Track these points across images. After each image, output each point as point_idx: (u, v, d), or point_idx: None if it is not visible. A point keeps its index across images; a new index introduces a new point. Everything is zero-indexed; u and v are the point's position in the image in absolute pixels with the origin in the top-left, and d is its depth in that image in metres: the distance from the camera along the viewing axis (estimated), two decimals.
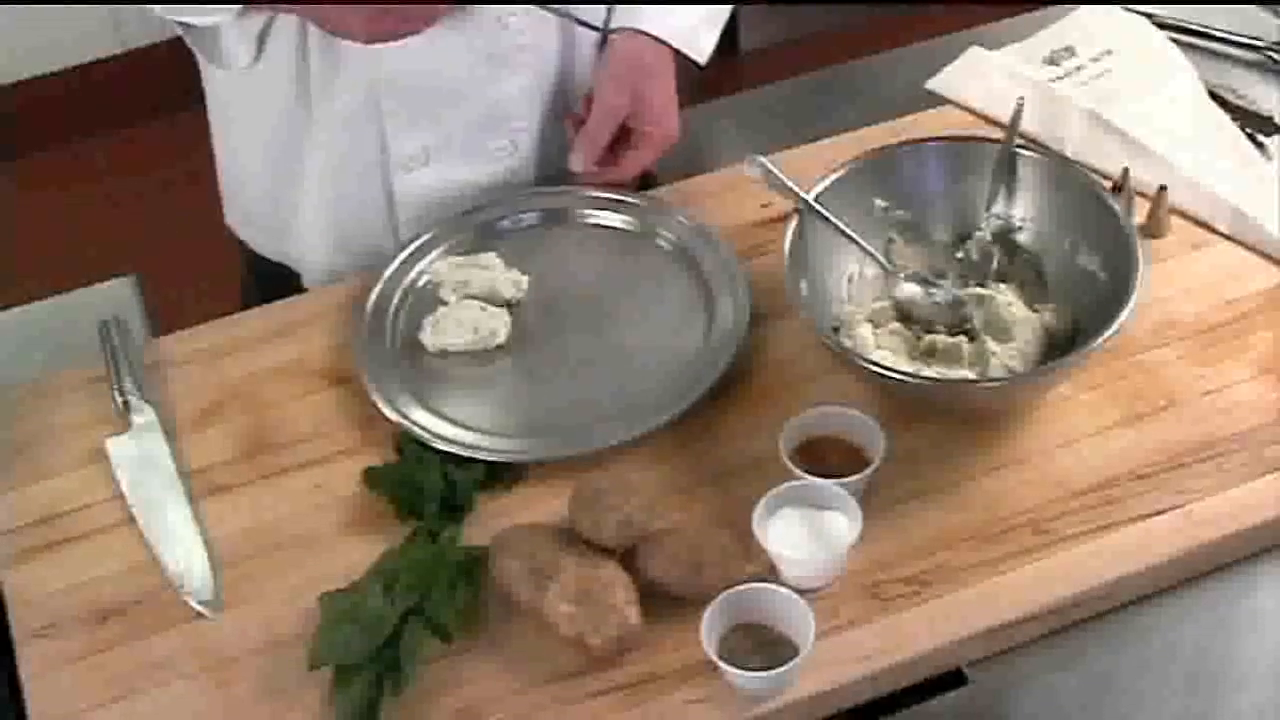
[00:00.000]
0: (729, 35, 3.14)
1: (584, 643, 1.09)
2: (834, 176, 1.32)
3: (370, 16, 1.24)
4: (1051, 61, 1.58)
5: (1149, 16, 1.61)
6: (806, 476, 1.16)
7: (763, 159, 1.33)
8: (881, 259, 1.32)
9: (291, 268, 1.54)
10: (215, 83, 1.49)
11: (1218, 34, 1.60)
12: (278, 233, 1.53)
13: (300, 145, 1.44)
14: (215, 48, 1.39)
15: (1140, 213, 1.38)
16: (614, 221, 1.44)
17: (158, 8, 1.32)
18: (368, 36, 1.27)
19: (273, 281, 1.53)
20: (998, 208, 1.33)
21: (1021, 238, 1.33)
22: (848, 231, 1.30)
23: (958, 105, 1.55)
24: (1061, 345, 1.27)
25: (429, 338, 1.35)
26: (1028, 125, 1.42)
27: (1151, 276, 1.25)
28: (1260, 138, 1.47)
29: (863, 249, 1.31)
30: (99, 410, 1.32)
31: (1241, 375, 1.27)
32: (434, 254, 1.42)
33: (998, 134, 1.38)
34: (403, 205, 1.46)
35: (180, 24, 1.36)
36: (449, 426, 1.27)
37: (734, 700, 1.08)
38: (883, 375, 1.20)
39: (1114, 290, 1.22)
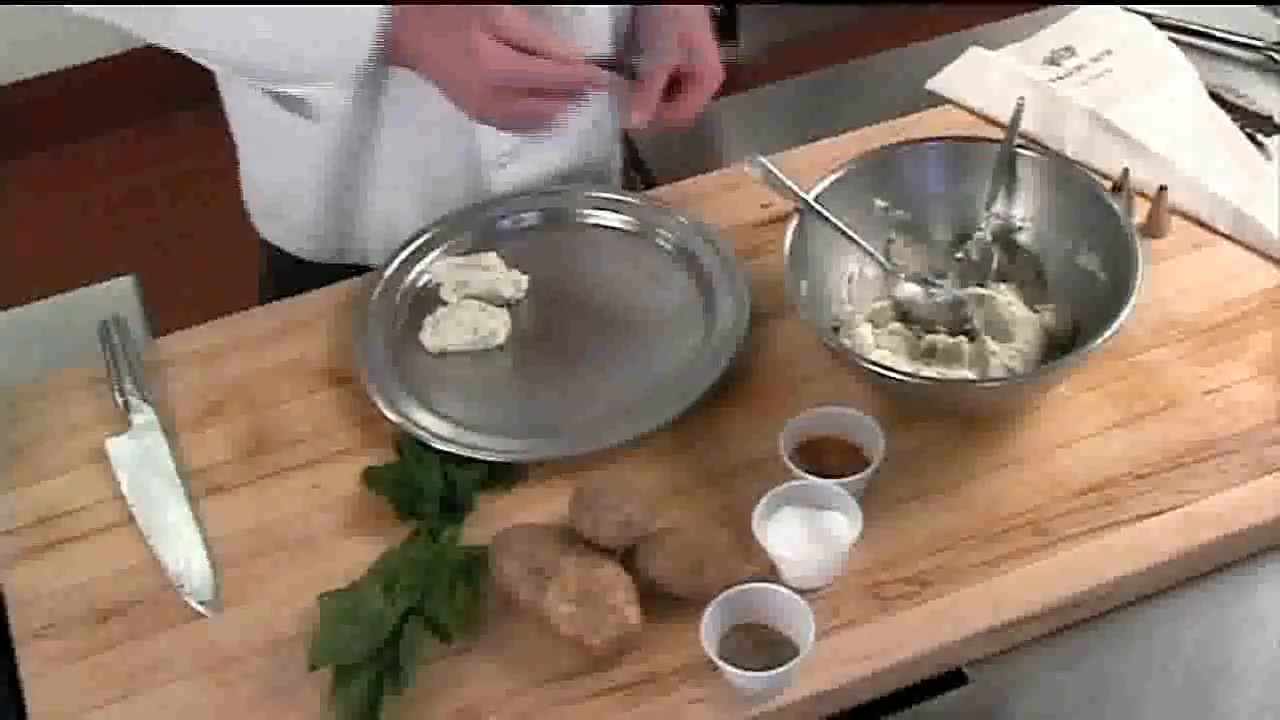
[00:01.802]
0: (729, 35, 3.13)
1: (584, 643, 1.09)
2: (834, 176, 1.32)
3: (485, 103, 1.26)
4: (1051, 61, 1.58)
5: (1149, 16, 1.61)
6: (806, 476, 1.16)
7: (763, 159, 1.33)
8: (881, 259, 1.32)
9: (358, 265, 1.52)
10: (256, 105, 1.44)
11: (1218, 34, 1.60)
12: (336, 238, 1.50)
13: (371, 154, 1.42)
14: (302, 104, 1.37)
15: (1140, 213, 1.38)
16: (614, 221, 1.44)
17: (257, 83, 1.32)
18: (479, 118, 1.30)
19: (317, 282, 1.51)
20: (998, 208, 1.33)
21: (1021, 238, 1.33)
22: (848, 231, 1.30)
23: (958, 105, 1.55)
24: (1061, 345, 1.27)
25: (429, 338, 1.35)
26: (1028, 125, 1.42)
27: (1151, 276, 1.25)
28: (1260, 138, 1.47)
29: (863, 249, 1.31)
30: (99, 410, 1.32)
31: (1241, 375, 1.27)
32: (434, 254, 1.42)
33: (998, 134, 1.38)
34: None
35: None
36: (449, 426, 1.27)
37: (734, 700, 1.08)
38: (882, 375, 1.20)
39: (1114, 290, 1.22)
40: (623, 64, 1.33)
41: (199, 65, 1.47)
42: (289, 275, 1.53)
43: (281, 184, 1.52)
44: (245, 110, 1.49)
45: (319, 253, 1.54)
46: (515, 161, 1.45)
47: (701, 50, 1.39)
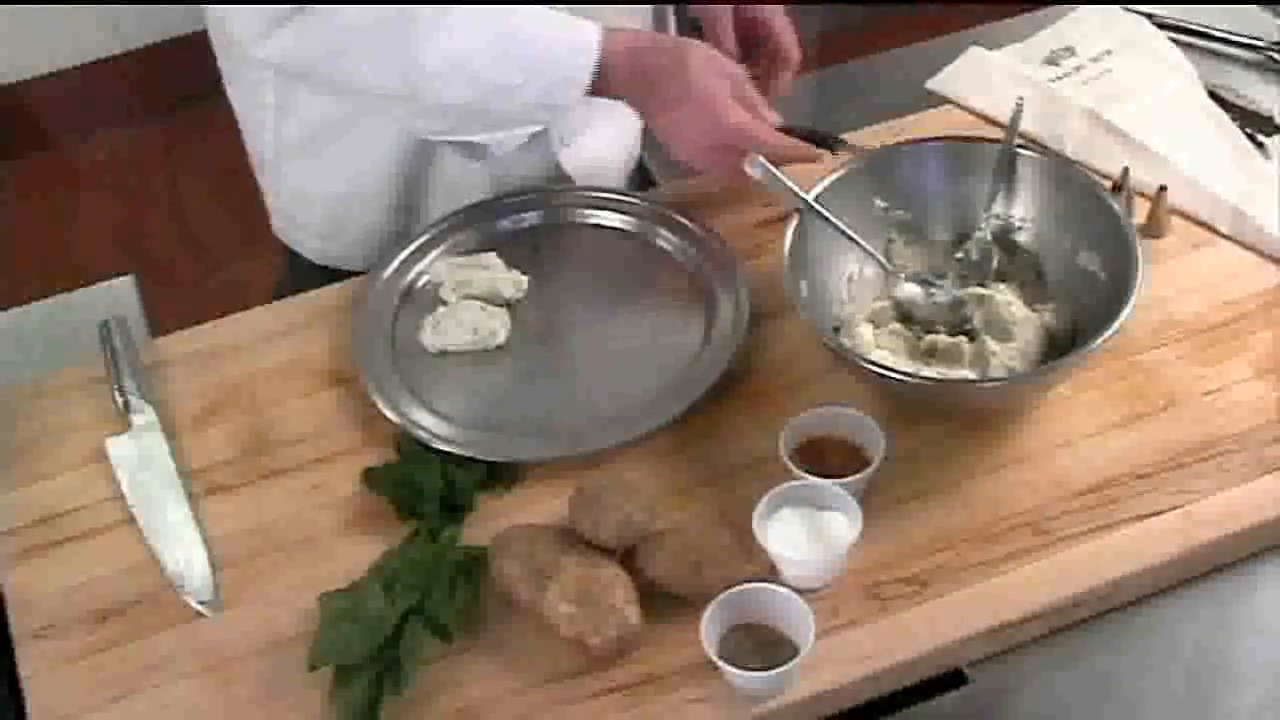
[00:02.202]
0: None
1: (584, 643, 1.09)
2: (834, 176, 1.32)
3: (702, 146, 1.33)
4: (1051, 61, 1.58)
5: (1149, 16, 1.61)
6: (806, 476, 1.16)
7: (763, 159, 1.33)
8: (881, 259, 1.32)
9: None
10: (320, 113, 1.45)
11: (1218, 34, 1.60)
12: (392, 242, 1.47)
13: (441, 143, 1.43)
14: (476, 146, 1.40)
15: (1140, 213, 1.38)
16: (614, 221, 1.44)
17: (457, 134, 1.36)
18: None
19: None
20: (998, 208, 1.33)
21: (1021, 238, 1.33)
22: (848, 231, 1.30)
23: (958, 105, 1.55)
24: (1062, 345, 1.27)
25: (429, 338, 1.35)
26: (1028, 125, 1.42)
27: (1151, 276, 1.25)
28: (1260, 138, 1.47)
29: (863, 249, 1.31)
30: (99, 410, 1.33)
31: (1241, 375, 1.27)
32: (434, 254, 1.42)
33: (998, 134, 1.38)
34: (578, 178, 1.49)
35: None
36: (449, 426, 1.27)
37: (734, 700, 1.08)
38: (883, 375, 1.20)
39: (1114, 290, 1.22)
40: (826, 138, 1.38)
41: (197, 66, 1.47)
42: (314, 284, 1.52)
43: (342, 196, 1.50)
44: (297, 130, 1.46)
45: (372, 262, 1.49)
46: (581, 135, 1.46)
47: (778, 34, 1.45)
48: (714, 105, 1.30)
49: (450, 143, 1.40)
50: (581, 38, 1.29)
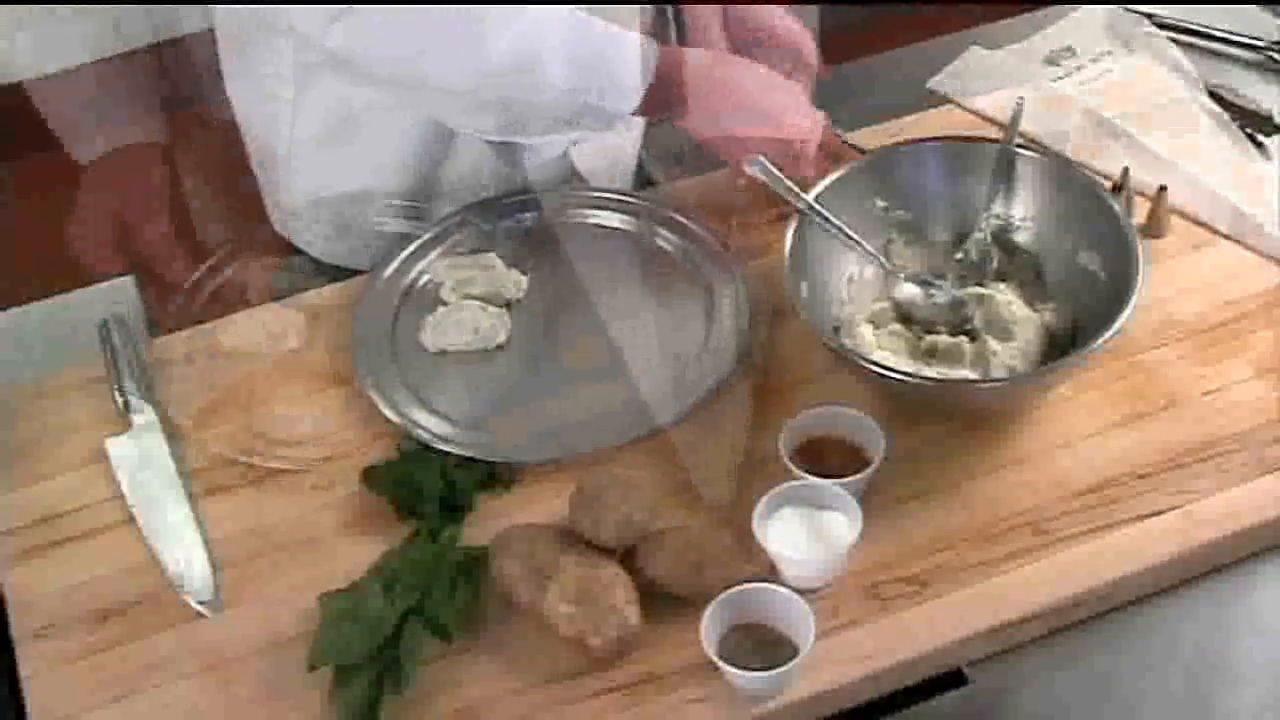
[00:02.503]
0: None
1: (584, 643, 1.09)
2: (834, 176, 1.32)
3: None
4: (1051, 61, 1.58)
5: (1149, 16, 1.62)
6: (806, 476, 1.16)
7: (763, 159, 1.33)
8: (881, 259, 1.32)
9: None
10: (328, 114, 1.45)
11: (1218, 34, 1.60)
12: (395, 242, 1.48)
13: (455, 146, 1.44)
14: (515, 151, 1.41)
15: (1140, 213, 1.38)
16: (614, 221, 1.44)
17: (490, 136, 1.37)
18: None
19: None
20: (997, 208, 1.33)
21: (1021, 238, 1.33)
22: (848, 232, 1.30)
23: (958, 105, 1.55)
24: (1062, 345, 1.27)
25: (429, 338, 1.35)
26: (1028, 125, 1.42)
27: (1151, 276, 1.25)
28: (1260, 138, 1.48)
29: (863, 249, 1.31)
30: (99, 410, 1.33)
31: (1241, 375, 1.27)
32: (434, 254, 1.42)
33: (998, 134, 1.38)
34: (589, 176, 1.49)
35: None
36: (449, 426, 1.27)
37: (734, 700, 1.08)
38: (883, 376, 1.20)
39: (1114, 290, 1.22)
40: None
41: (197, 66, 1.46)
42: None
43: (355, 194, 1.50)
44: (314, 125, 1.47)
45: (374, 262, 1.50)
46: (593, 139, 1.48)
47: (782, 33, 1.45)
48: (779, 116, 1.32)
49: (488, 142, 1.40)
50: (640, 50, 1.30)
